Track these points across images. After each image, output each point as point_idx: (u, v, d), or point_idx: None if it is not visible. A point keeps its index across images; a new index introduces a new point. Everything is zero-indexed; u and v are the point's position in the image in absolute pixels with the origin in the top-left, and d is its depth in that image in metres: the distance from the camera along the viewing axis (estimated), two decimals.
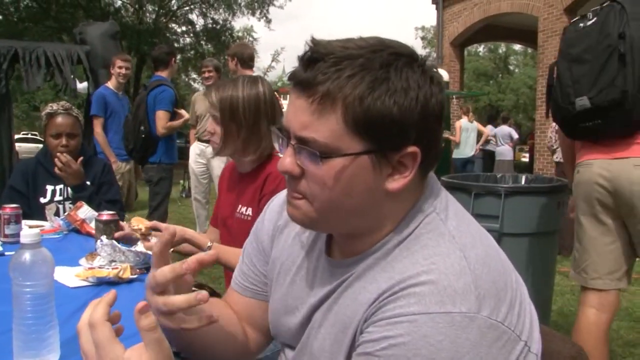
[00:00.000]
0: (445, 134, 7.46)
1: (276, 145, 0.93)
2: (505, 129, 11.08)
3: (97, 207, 2.59)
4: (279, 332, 1.06)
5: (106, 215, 2.09)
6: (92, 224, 2.45)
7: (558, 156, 6.93)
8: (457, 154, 9.76)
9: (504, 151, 10.98)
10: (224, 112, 1.90)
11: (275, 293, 1.07)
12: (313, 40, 0.83)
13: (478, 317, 0.76)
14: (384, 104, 0.79)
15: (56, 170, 2.74)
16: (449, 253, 0.81)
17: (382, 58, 0.80)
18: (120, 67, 5.18)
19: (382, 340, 0.77)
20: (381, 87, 0.79)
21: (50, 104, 2.93)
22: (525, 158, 20.18)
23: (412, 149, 0.82)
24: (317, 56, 0.81)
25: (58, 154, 2.75)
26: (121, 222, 2.13)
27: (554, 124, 7.21)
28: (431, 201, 0.89)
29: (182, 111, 5.04)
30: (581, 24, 2.37)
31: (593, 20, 2.31)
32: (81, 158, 2.81)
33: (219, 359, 1.11)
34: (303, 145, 0.82)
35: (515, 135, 11.12)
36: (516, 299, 0.82)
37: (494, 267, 0.82)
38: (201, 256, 0.89)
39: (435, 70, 0.85)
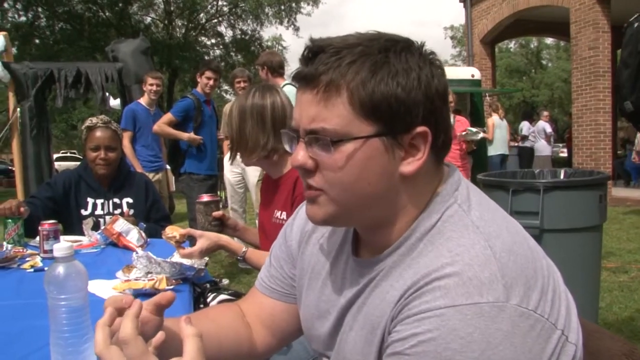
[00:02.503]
0: (476, 129, 7.28)
1: (287, 147, 0.93)
2: (540, 124, 10.97)
3: (152, 225, 2.74)
4: (313, 338, 1.05)
5: (207, 196, 2.15)
6: (129, 237, 2.49)
7: None
8: (492, 150, 9.66)
9: (540, 147, 10.93)
10: (226, 119, 2.03)
11: (307, 299, 1.06)
12: (311, 38, 0.86)
13: (507, 305, 0.73)
14: (388, 86, 0.80)
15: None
16: (474, 243, 0.79)
17: (380, 44, 0.82)
18: (151, 84, 5.39)
19: (410, 338, 0.75)
20: (382, 70, 0.80)
21: (91, 118, 3.01)
22: (563, 153, 19.75)
23: (421, 129, 0.82)
24: (316, 49, 0.83)
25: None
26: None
27: None
28: (452, 192, 0.87)
29: (187, 135, 4.85)
30: (636, 24, 2.44)
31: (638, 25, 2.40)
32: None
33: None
34: (314, 136, 0.83)
35: (549, 129, 10.95)
36: (548, 286, 0.79)
37: (521, 255, 0.79)
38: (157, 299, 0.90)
39: (433, 54, 0.86)
